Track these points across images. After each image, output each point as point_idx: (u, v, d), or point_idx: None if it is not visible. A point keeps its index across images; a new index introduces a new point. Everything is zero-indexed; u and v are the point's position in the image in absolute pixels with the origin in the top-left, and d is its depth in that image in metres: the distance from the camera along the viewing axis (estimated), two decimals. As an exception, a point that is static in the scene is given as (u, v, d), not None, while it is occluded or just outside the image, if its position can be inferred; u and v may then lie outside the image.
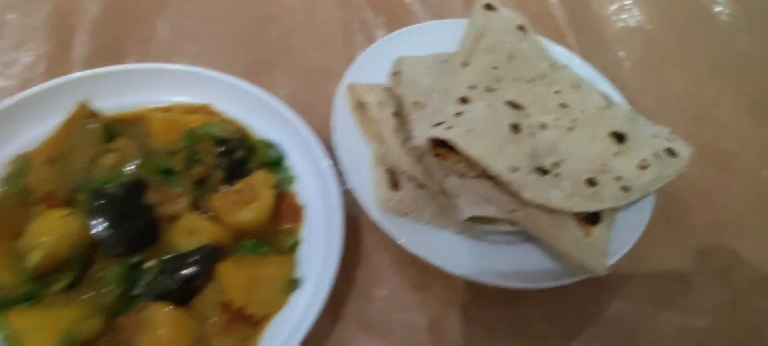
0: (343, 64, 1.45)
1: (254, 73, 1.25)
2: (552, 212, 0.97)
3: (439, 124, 0.95)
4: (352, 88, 1.21)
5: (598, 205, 0.97)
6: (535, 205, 0.95)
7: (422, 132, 1.01)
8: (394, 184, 1.12)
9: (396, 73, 1.25)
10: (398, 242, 1.03)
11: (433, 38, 1.36)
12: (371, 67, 1.29)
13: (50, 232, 0.92)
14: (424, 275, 1.11)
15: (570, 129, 1.06)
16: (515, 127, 0.99)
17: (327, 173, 1.07)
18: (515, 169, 0.92)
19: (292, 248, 1.06)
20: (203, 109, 1.19)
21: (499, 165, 0.91)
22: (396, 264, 1.12)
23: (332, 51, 1.49)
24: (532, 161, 0.96)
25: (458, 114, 0.97)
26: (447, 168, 1.02)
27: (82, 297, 0.94)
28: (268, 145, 1.17)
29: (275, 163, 1.15)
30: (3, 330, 0.88)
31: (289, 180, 1.14)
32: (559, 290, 1.13)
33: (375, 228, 1.15)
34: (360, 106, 1.23)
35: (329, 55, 1.48)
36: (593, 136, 1.06)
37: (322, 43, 1.50)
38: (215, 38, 1.47)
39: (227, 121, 1.17)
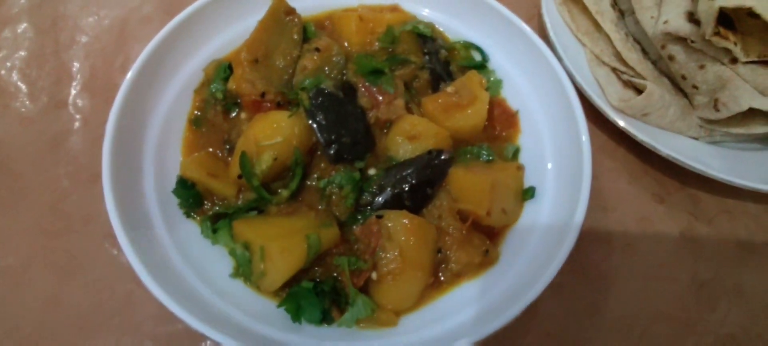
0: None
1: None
2: None
3: (721, -6, 0.79)
4: (561, -22, 1.06)
5: None
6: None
7: (678, 12, 0.86)
8: (625, 83, 0.98)
9: (609, -39, 1.08)
10: (642, 142, 0.89)
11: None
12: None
13: (277, 133, 0.83)
14: (661, 186, 0.97)
15: None
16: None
17: (552, 69, 0.92)
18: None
19: (514, 156, 0.94)
20: (392, 8, 1.07)
21: (814, 37, 0.74)
22: (627, 175, 0.98)
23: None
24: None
25: (743, -16, 0.80)
26: (711, 55, 0.86)
27: (304, 209, 0.85)
28: (470, 46, 1.04)
29: (479, 65, 1.02)
30: (231, 242, 0.82)
31: (497, 84, 1.02)
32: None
33: (594, 135, 1.02)
34: (567, 2, 1.08)
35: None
36: None
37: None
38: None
39: (424, 21, 1.04)
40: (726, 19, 0.83)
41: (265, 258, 0.75)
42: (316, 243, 0.76)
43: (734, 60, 0.85)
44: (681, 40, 0.90)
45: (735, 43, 0.82)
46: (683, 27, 0.87)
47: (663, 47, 0.94)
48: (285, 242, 0.75)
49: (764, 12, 0.74)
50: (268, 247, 0.75)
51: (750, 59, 0.84)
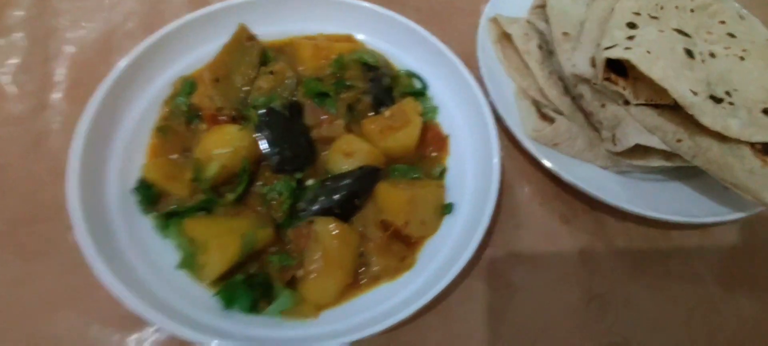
0: (470, 1, 1.44)
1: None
2: (724, 141, 0.93)
3: (611, 46, 0.92)
4: (495, 21, 1.20)
5: (778, 136, 0.92)
6: (709, 133, 0.91)
7: (584, 58, 0.98)
8: (543, 116, 1.11)
9: (539, 7, 1.21)
10: (550, 169, 1.02)
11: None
12: (508, 2, 1.26)
13: (226, 144, 0.95)
14: (569, 208, 1.09)
15: (741, 59, 1.01)
16: (689, 53, 0.94)
17: (477, 99, 1.06)
18: (695, 94, 0.88)
19: (441, 175, 1.07)
20: (347, 39, 1.20)
21: (680, 88, 0.87)
22: (540, 196, 1.11)
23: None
24: (707, 88, 0.92)
25: (630, 37, 0.93)
26: (609, 96, 0.99)
27: (247, 212, 0.98)
28: (411, 75, 1.17)
29: (419, 93, 1.15)
30: (179, 238, 0.94)
31: (433, 110, 1.14)
32: (707, 232, 1.10)
33: (515, 160, 1.15)
34: (501, 40, 1.21)
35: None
36: (766, 67, 1.00)
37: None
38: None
39: (371, 50, 1.17)
40: (621, 65, 0.96)
41: (205, 252, 0.88)
42: (250, 242, 0.89)
43: (627, 102, 0.98)
44: (587, 81, 1.03)
45: (624, 88, 0.94)
46: (587, 70, 1.00)
47: (575, 86, 1.07)
48: (223, 239, 0.88)
49: (640, 63, 0.87)
50: (209, 242, 0.87)
51: (640, 102, 0.96)
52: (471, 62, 1.18)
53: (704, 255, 1.06)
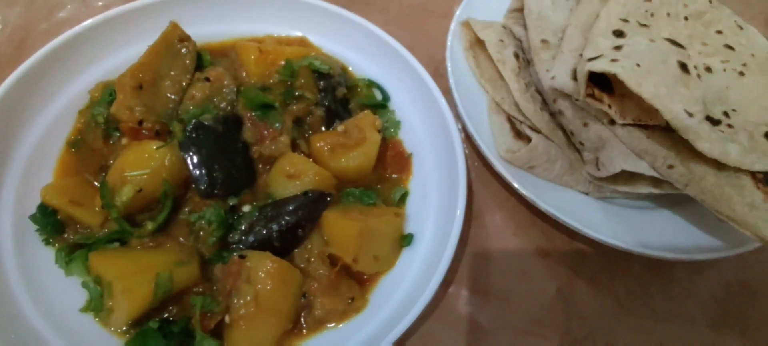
0: (443, 2, 1.31)
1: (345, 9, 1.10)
2: (721, 169, 0.81)
3: (595, 58, 0.79)
4: (467, 25, 1.07)
5: (784, 164, 0.80)
6: (705, 159, 0.79)
7: (565, 69, 0.86)
8: (518, 134, 0.98)
9: (516, 10, 1.09)
10: (525, 196, 0.89)
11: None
12: (482, 3, 1.14)
13: (143, 165, 0.81)
14: (547, 239, 0.97)
15: (741, 74, 0.89)
16: (683, 67, 0.82)
17: (444, 115, 0.93)
18: (690, 115, 0.76)
19: (401, 200, 0.94)
20: (299, 42, 1.06)
21: (674, 108, 0.75)
22: (513, 225, 0.98)
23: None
24: (703, 108, 0.80)
25: (617, 48, 0.81)
26: (593, 113, 0.87)
27: (170, 243, 0.83)
28: (371, 84, 1.04)
29: (379, 105, 1.02)
30: (85, 274, 0.79)
31: (395, 125, 1.01)
32: (697, 267, 0.99)
33: (486, 183, 1.03)
34: (474, 46, 1.08)
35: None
36: (770, 84, 0.88)
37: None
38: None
39: (326, 56, 1.03)
40: (607, 79, 0.84)
41: (111, 295, 0.73)
42: (165, 283, 0.74)
43: (613, 121, 0.85)
44: (568, 96, 0.91)
45: (609, 106, 0.82)
46: (568, 84, 0.87)
47: (554, 101, 0.94)
48: (130, 280, 0.73)
49: (628, 79, 0.75)
50: (114, 284, 0.73)
51: (626, 122, 0.84)
52: (441, 69, 1.06)
53: (695, 294, 0.94)
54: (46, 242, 0.82)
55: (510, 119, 1.01)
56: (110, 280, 0.73)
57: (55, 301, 0.77)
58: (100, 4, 1.16)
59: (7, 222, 0.80)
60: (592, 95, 0.82)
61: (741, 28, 0.98)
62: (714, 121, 0.82)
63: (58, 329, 0.74)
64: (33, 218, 0.81)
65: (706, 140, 0.77)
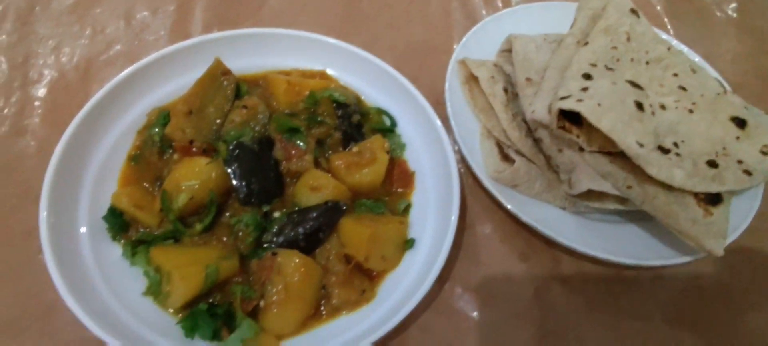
0: (444, 40, 1.50)
1: (359, 47, 1.28)
2: (670, 190, 0.98)
3: (566, 97, 0.97)
4: (463, 63, 1.25)
5: (719, 186, 0.97)
6: (657, 182, 0.96)
7: (543, 104, 1.03)
8: (505, 157, 1.16)
9: (506, 51, 1.27)
10: (509, 210, 1.06)
11: (535, 19, 1.39)
12: (477, 44, 1.32)
13: (195, 177, 0.99)
14: (528, 246, 1.14)
15: (690, 111, 1.06)
16: (639, 105, 1.00)
17: (442, 139, 1.10)
18: (641, 145, 0.93)
19: (405, 211, 1.11)
20: (320, 75, 1.25)
21: (627, 139, 0.92)
22: (500, 234, 1.15)
23: (433, 27, 1.52)
24: (655, 139, 0.97)
25: (584, 89, 0.99)
26: (566, 141, 1.04)
27: (215, 242, 1.01)
28: (381, 112, 1.22)
29: (388, 130, 1.20)
30: (146, 265, 0.96)
31: (401, 147, 1.19)
32: (658, 273, 1.14)
33: (478, 198, 1.20)
34: (469, 81, 1.26)
35: (430, 30, 1.51)
36: (714, 120, 1.06)
37: (423, 19, 1.54)
38: (321, 11, 1.52)
39: (343, 87, 1.22)
40: (577, 115, 1.01)
41: (169, 282, 0.90)
42: (213, 273, 0.92)
43: (581, 148, 1.03)
44: (546, 126, 1.08)
45: (578, 136, 0.99)
46: (545, 117, 1.05)
47: (535, 130, 1.12)
48: (187, 269, 0.91)
49: (589, 116, 0.92)
50: (173, 273, 0.90)
51: (593, 149, 1.01)
52: (442, 99, 1.22)
53: (654, 295, 1.10)
54: (114, 239, 0.99)
55: (498, 144, 1.18)
56: (169, 269, 0.91)
57: (122, 286, 0.94)
58: (151, 39, 1.35)
59: (84, 222, 0.98)
60: (563, 127, 0.99)
61: (694, 71, 1.16)
62: (664, 150, 0.99)
63: (127, 306, 0.91)
64: (104, 218, 0.99)
65: (655, 166, 0.95)
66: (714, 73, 1.29)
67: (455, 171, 1.06)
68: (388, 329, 0.90)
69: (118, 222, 0.99)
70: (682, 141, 1.02)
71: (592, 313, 1.07)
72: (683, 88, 1.10)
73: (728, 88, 1.25)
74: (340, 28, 1.48)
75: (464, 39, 1.31)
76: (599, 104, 0.94)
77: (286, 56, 1.25)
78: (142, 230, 1.00)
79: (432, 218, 1.08)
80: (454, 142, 1.14)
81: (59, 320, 0.92)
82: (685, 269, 1.14)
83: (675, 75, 1.13)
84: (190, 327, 0.90)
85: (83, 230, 0.97)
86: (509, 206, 1.06)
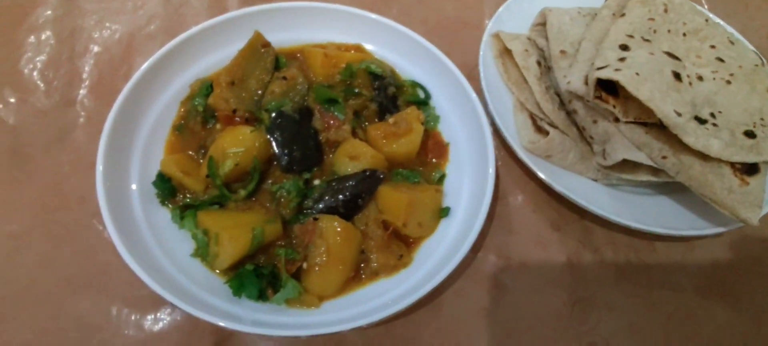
0: (475, 15, 1.50)
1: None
2: (706, 160, 0.99)
3: (603, 67, 0.98)
4: (497, 36, 1.26)
5: (757, 156, 0.98)
6: (693, 151, 0.97)
7: (579, 75, 1.05)
8: (538, 129, 1.17)
9: (539, 25, 1.28)
10: (542, 179, 1.08)
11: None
12: (510, 18, 1.33)
13: (239, 144, 1.03)
14: (560, 216, 1.16)
15: (728, 82, 1.07)
16: (677, 76, 1.00)
17: (477, 111, 1.12)
18: (679, 115, 0.94)
19: (440, 180, 1.14)
20: (356, 48, 1.27)
21: (665, 108, 0.93)
22: (532, 205, 1.17)
23: (464, 2, 1.53)
24: (692, 109, 0.98)
25: (622, 59, 1.00)
26: (601, 112, 1.06)
27: (258, 207, 1.05)
28: (415, 85, 1.24)
29: (422, 102, 1.22)
30: (195, 228, 1.01)
31: (435, 119, 1.21)
32: (690, 244, 1.16)
33: (510, 170, 1.22)
34: (503, 54, 1.27)
35: (461, 5, 1.52)
36: (752, 91, 1.06)
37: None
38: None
39: (379, 60, 1.24)
40: (612, 84, 1.03)
41: (218, 243, 0.95)
42: (260, 235, 0.96)
43: (617, 119, 1.04)
44: (580, 97, 1.09)
45: (614, 106, 1.01)
46: (580, 88, 1.06)
47: (569, 102, 1.13)
48: (234, 231, 0.95)
49: (628, 84, 0.94)
50: (221, 234, 0.94)
51: (629, 120, 1.03)
52: (473, 73, 1.24)
53: (685, 266, 1.12)
54: (162, 203, 1.03)
55: (532, 116, 1.20)
56: (217, 232, 0.95)
57: (171, 247, 0.99)
58: (190, 13, 1.39)
59: (136, 187, 1.02)
60: (600, 97, 1.00)
61: (732, 43, 1.15)
62: (701, 121, 1.00)
63: (177, 266, 0.96)
64: (154, 183, 1.03)
65: (692, 136, 0.96)
66: (750, 47, 1.29)
67: (490, 142, 1.08)
68: (423, 293, 0.93)
69: (166, 187, 1.03)
70: (719, 112, 1.03)
71: (622, 281, 1.09)
72: (721, 60, 1.11)
73: (766, 61, 1.25)
74: (372, 2, 1.49)
75: (498, 12, 1.32)
76: (637, 74, 0.95)
77: (322, 30, 1.27)
78: (188, 196, 1.05)
79: (466, 187, 1.11)
80: (488, 114, 1.16)
81: (115, 280, 0.97)
82: (718, 240, 1.15)
83: (712, 47, 1.13)
84: (238, 286, 0.94)
85: (135, 195, 1.02)
86: (542, 176, 1.08)
